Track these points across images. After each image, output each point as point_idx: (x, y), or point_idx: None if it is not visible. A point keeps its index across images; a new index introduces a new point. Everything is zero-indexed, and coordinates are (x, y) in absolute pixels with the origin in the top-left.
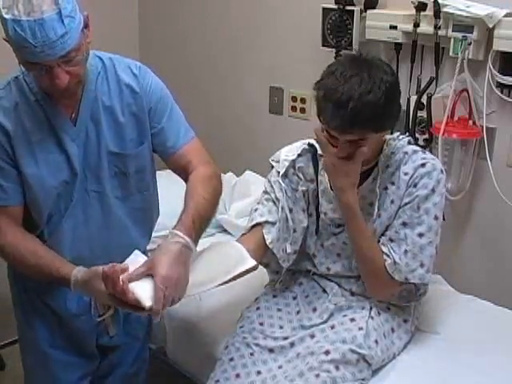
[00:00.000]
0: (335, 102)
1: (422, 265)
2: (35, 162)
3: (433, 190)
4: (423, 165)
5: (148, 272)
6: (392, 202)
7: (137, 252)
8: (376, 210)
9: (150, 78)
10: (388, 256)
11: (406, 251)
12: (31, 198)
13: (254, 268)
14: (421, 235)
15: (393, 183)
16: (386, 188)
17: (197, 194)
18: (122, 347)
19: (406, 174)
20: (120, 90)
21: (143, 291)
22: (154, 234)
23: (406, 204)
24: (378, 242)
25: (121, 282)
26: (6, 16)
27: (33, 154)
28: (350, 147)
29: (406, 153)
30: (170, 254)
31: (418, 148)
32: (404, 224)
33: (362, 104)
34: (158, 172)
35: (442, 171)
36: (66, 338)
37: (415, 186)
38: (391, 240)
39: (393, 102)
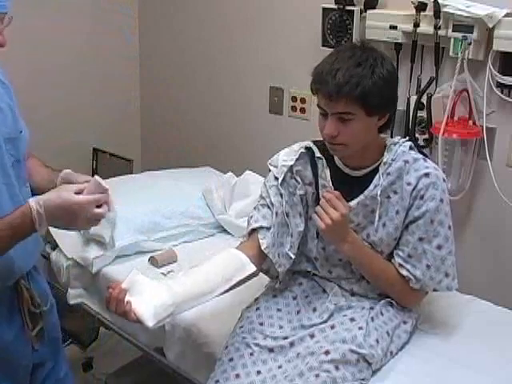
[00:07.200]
0: (326, 71)
1: (446, 275)
2: None
3: (441, 201)
4: (427, 174)
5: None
6: (397, 212)
7: (135, 271)
8: (377, 217)
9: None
10: (409, 276)
11: (428, 266)
12: None
13: (254, 274)
14: (439, 247)
15: (395, 192)
16: (389, 197)
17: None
18: (47, 359)
19: (409, 184)
20: None
21: (144, 311)
22: (154, 236)
23: (417, 219)
24: (382, 253)
25: (125, 303)
26: None
27: None
28: (338, 124)
29: (407, 161)
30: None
31: (418, 155)
32: (421, 239)
33: (349, 74)
34: (157, 172)
35: (444, 180)
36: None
37: (422, 197)
38: (410, 256)
39: (386, 85)
